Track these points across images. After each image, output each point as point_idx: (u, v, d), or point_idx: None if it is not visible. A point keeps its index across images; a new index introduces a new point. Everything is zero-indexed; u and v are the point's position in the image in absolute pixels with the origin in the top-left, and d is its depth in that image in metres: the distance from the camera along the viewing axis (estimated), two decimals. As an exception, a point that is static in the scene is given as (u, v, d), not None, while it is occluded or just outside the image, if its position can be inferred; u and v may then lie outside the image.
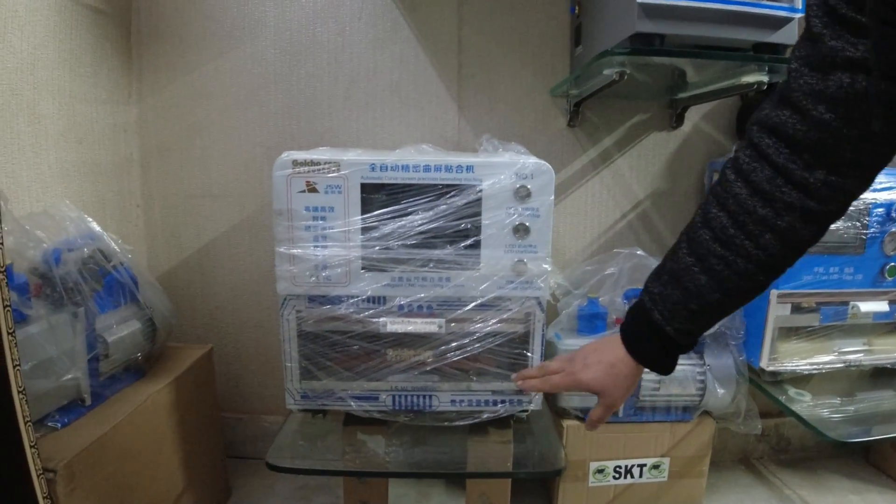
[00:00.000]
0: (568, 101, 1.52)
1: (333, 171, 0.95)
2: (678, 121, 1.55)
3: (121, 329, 1.13)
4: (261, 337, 1.62)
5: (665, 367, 0.78)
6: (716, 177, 1.46)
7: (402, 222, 0.96)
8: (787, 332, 1.31)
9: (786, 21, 1.16)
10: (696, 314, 0.71)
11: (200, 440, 1.35)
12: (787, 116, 0.60)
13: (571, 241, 1.60)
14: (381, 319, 1.01)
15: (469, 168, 0.96)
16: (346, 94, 1.51)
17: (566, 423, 1.35)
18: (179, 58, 1.50)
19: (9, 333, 0.81)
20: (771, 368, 1.30)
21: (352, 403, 1.07)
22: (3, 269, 0.80)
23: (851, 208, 1.20)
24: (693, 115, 1.56)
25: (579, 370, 0.81)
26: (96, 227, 1.15)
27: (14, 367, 0.82)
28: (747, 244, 0.65)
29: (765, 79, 1.22)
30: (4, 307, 0.81)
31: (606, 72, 1.18)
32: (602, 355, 0.80)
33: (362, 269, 0.98)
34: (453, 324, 1.03)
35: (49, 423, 0.99)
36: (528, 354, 1.05)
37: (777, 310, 1.27)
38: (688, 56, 1.21)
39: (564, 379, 0.84)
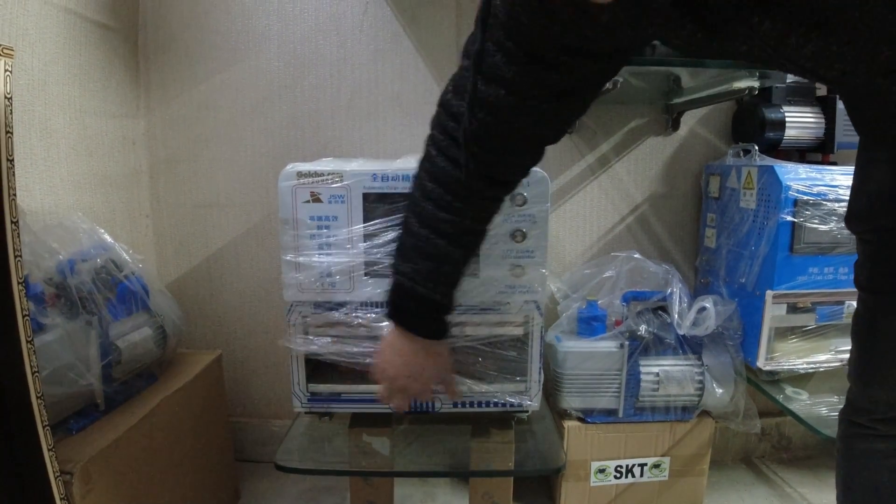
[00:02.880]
0: (565, 108, 1.55)
1: (337, 182, 0.98)
2: (674, 125, 1.58)
3: (133, 336, 1.16)
4: (268, 342, 1.65)
5: (446, 330, 0.88)
6: (711, 181, 1.49)
7: (404, 230, 0.99)
8: (784, 332, 1.33)
9: (776, 28, 1.19)
10: (450, 274, 0.82)
11: (210, 444, 1.38)
12: (464, 109, 0.70)
13: (571, 245, 1.62)
14: (384, 324, 1.04)
15: (467, 176, 0.99)
16: (349, 104, 1.54)
17: (567, 423, 1.38)
18: (186, 71, 1.54)
19: (27, 342, 0.85)
20: (768, 368, 1.32)
21: (356, 406, 1.10)
22: (21, 281, 0.84)
23: (844, 209, 1.23)
24: (689, 120, 1.59)
25: (414, 384, 0.90)
26: (108, 237, 1.19)
27: (33, 373, 0.85)
28: (463, 206, 0.76)
29: (756, 84, 1.24)
30: (23, 317, 0.84)
31: (601, 81, 1.20)
32: (412, 361, 0.88)
33: (365, 275, 1.01)
34: (454, 328, 1.05)
35: (65, 428, 1.02)
36: (528, 356, 1.08)
37: (773, 310, 1.29)
38: (679, 65, 1.24)
39: (421, 394, 0.94)
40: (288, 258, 1.01)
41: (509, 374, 1.10)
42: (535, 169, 1.00)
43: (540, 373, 1.08)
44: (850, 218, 0.78)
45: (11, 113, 0.80)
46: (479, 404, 1.09)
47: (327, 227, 1.00)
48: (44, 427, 0.87)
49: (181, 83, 1.55)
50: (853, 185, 0.77)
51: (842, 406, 1.29)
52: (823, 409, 1.29)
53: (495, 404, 1.10)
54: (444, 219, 0.76)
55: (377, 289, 1.02)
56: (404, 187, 0.99)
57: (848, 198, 0.79)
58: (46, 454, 0.87)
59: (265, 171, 1.56)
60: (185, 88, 1.55)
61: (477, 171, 0.74)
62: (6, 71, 0.78)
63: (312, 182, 0.98)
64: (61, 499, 0.89)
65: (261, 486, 1.59)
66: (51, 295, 1.03)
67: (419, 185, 0.78)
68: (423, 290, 0.80)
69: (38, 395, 0.86)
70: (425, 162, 0.78)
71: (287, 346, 1.05)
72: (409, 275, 0.80)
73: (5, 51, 0.78)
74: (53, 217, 1.21)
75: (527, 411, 1.12)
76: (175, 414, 1.22)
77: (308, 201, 0.99)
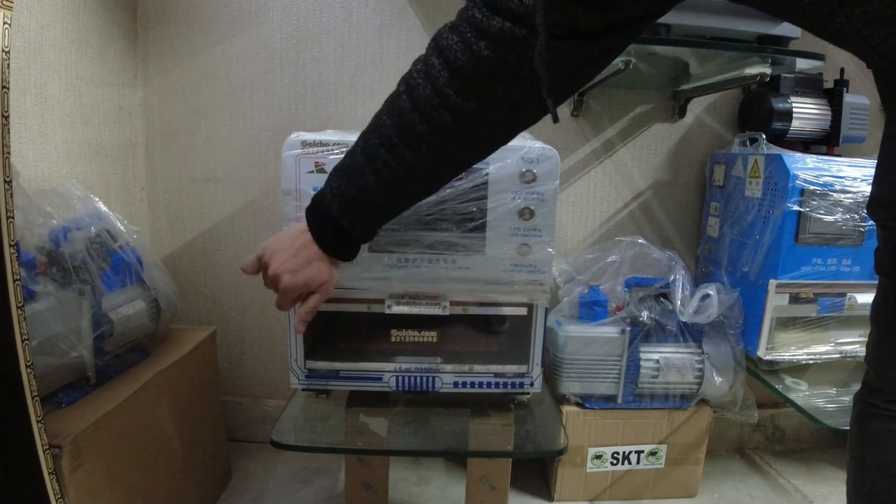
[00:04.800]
0: (572, 91, 1.53)
1: (342, 152, 0.96)
2: (681, 112, 1.56)
3: (126, 309, 1.13)
4: (263, 321, 1.63)
5: (346, 255, 0.82)
6: (716, 169, 1.48)
7: (409, 204, 0.97)
8: (785, 322, 1.32)
9: (790, 13, 1.17)
10: (367, 210, 0.76)
11: (202, 422, 1.35)
12: (454, 42, 0.61)
13: (574, 230, 1.61)
14: (387, 301, 1.02)
15: (476, 152, 0.97)
16: (353, 79, 1.51)
17: (566, 408, 1.37)
18: (185, 41, 1.50)
19: (18, 307, 0.82)
20: (768, 358, 1.32)
21: (355, 384, 1.08)
22: (13, 244, 0.81)
23: (850, 200, 1.23)
24: (696, 107, 1.57)
25: (284, 268, 0.82)
26: (103, 206, 1.16)
27: (23, 341, 0.82)
28: (407, 154, 0.68)
29: (767, 70, 1.23)
30: (14, 281, 0.81)
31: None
32: (297, 252, 0.81)
33: (369, 250, 0.99)
34: (457, 306, 1.04)
35: (55, 401, 0.99)
36: (530, 338, 1.06)
37: (775, 300, 1.28)
38: (692, 46, 1.22)
39: (288, 281, 0.83)
40: (289, 230, 0.98)
41: (511, 356, 1.08)
42: (545, 146, 0.99)
43: (542, 355, 1.07)
44: (873, 205, 0.76)
45: (9, 68, 0.77)
46: (481, 385, 1.08)
47: (331, 200, 0.97)
48: (33, 398, 0.84)
49: (180, 53, 1.51)
50: (877, 172, 0.76)
51: (842, 397, 1.31)
52: (822, 400, 1.29)
53: (496, 385, 1.08)
54: (384, 157, 0.70)
55: (380, 264, 1.00)
56: (412, 160, 0.97)
57: (871, 185, 0.77)
58: (35, 426, 0.84)
59: (264, 146, 1.53)
60: (184, 59, 1.51)
61: (444, 119, 0.65)
62: (5, 23, 0.75)
63: (317, 152, 0.96)
64: (49, 473, 0.86)
65: (253, 466, 1.58)
66: (42, 263, 1.00)
67: (378, 115, 0.72)
68: (335, 211, 0.76)
69: (28, 363, 0.83)
70: (393, 94, 0.70)
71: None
72: (333, 189, 0.76)
73: (5, 2, 0.75)
74: (46, 184, 1.18)
75: (528, 393, 1.11)
76: (167, 390, 1.19)
77: (312, 172, 0.96)
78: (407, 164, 0.70)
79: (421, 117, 0.66)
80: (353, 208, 0.76)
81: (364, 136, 0.73)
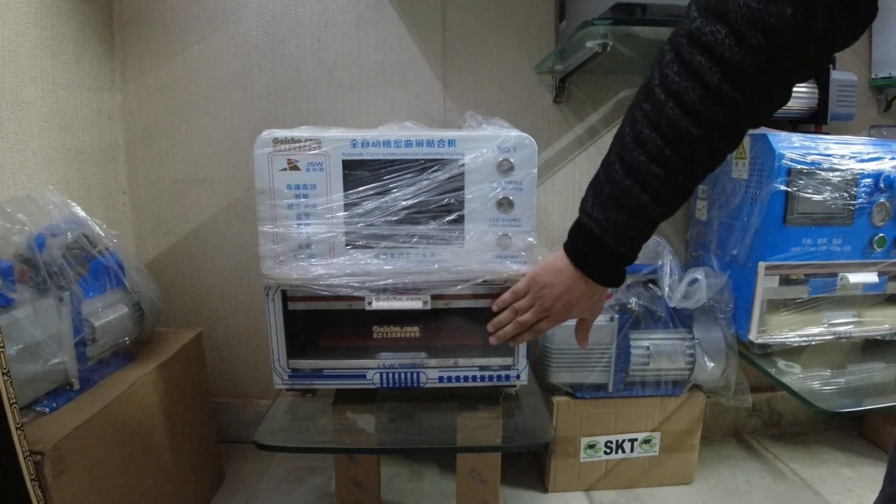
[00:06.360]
0: (553, 77, 1.51)
1: (315, 149, 0.95)
2: (665, 96, 1.54)
3: (108, 313, 1.12)
4: (251, 321, 1.62)
5: (620, 280, 0.83)
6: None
7: (385, 198, 0.96)
8: (776, 305, 1.31)
9: (770, -10, 1.15)
10: (643, 230, 0.75)
11: (192, 425, 1.35)
12: (722, 36, 0.58)
13: (559, 219, 1.59)
14: (367, 297, 1.01)
15: (451, 142, 0.96)
16: (331, 74, 1.50)
17: (556, 399, 1.36)
18: (162, 43, 1.49)
19: (-9, 315, 0.81)
20: (760, 341, 1.30)
21: (339, 382, 1.07)
22: (-16, 252, 0.80)
23: (839, 178, 1.21)
24: (680, 90, 1.55)
25: (559, 313, 0.88)
26: (80, 212, 1.15)
27: (-1, 349, 0.81)
28: (682, 162, 0.66)
29: (749, 49, 1.21)
30: (-13, 289, 0.81)
31: (589, 44, 1.17)
32: (571, 294, 0.84)
33: (346, 245, 0.98)
34: (439, 300, 1.03)
35: (37, 408, 0.99)
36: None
37: (765, 282, 1.26)
38: (670, 26, 1.20)
39: (549, 324, 0.91)
40: (265, 229, 0.97)
41: (496, 348, 1.07)
42: (522, 134, 0.97)
43: (529, 346, 1.06)
44: None
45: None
46: (466, 379, 1.07)
47: (305, 196, 0.96)
48: (11, 405, 0.83)
49: (157, 55, 1.50)
50: None
51: (837, 379, 1.29)
52: (816, 382, 1.27)
53: (482, 379, 1.07)
54: (656, 173, 0.67)
55: (358, 259, 0.99)
56: (386, 153, 0.95)
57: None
58: (14, 433, 0.83)
59: (245, 145, 1.51)
60: (162, 60, 1.50)
61: (720, 117, 0.62)
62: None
63: (289, 149, 0.94)
64: (32, 479, 0.86)
65: (245, 468, 1.57)
66: (20, 271, 0.99)
67: (633, 130, 0.68)
68: (610, 242, 0.75)
69: (5, 371, 0.82)
70: (645, 104, 0.66)
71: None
72: (599, 222, 0.75)
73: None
74: (24, 191, 1.17)
75: (515, 386, 1.10)
76: (153, 393, 1.19)
77: (285, 169, 0.95)
78: (684, 172, 0.68)
79: (695, 121, 0.63)
80: (628, 233, 0.75)
81: (621, 158, 0.70)
